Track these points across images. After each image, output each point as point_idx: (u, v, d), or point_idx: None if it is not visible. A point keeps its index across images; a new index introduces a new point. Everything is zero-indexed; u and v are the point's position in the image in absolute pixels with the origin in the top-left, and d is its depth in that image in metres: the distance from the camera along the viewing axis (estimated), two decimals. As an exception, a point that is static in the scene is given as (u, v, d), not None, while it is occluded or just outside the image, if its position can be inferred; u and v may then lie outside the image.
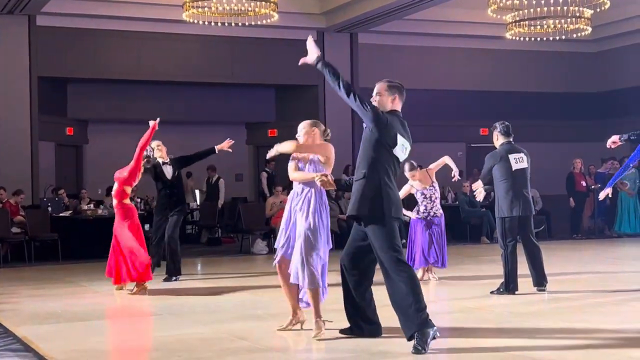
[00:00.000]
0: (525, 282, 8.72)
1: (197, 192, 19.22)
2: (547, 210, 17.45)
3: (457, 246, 14.84)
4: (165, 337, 6.67)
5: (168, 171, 11.23)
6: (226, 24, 16.41)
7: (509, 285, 8.61)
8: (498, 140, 8.82)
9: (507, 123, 8.86)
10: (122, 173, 10.28)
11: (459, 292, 9.04)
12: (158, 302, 8.77)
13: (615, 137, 8.17)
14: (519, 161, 8.66)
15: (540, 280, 8.70)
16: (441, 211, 10.27)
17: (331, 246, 6.78)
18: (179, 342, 6.37)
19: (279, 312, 7.98)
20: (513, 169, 8.64)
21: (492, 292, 8.70)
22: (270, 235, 15.30)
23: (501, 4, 15.59)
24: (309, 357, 5.63)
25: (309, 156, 6.88)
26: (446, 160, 10.21)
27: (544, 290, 8.66)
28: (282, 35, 18.90)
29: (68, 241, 13.80)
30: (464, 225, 16.62)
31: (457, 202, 17.03)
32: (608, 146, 8.39)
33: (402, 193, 9.64)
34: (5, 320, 7.61)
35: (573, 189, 17.44)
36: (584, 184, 17.54)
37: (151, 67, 18.27)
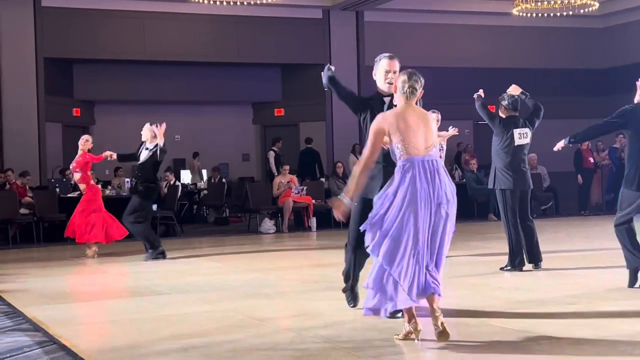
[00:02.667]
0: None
1: (204, 171, 19.24)
2: (554, 187, 17.43)
3: (464, 224, 14.84)
4: (173, 315, 6.71)
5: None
6: (232, 3, 16.36)
7: (514, 261, 8.62)
8: (504, 113, 8.78)
9: (515, 97, 8.82)
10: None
11: (466, 269, 9.05)
12: (165, 281, 8.81)
13: (561, 142, 8.10)
14: (523, 137, 8.65)
15: (533, 258, 8.65)
16: None
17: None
18: (186, 321, 6.40)
19: (286, 290, 8.02)
20: (515, 144, 8.62)
21: (501, 269, 8.71)
22: (277, 214, 15.33)
23: (508, -20, 15.50)
24: (317, 334, 5.65)
25: None
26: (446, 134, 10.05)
27: (538, 268, 8.61)
28: (287, 13, 18.84)
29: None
30: (471, 203, 16.61)
31: (464, 180, 17.02)
32: (555, 149, 8.33)
33: None
34: (14, 300, 7.66)
35: (581, 165, 17.40)
36: (591, 160, 17.50)
37: (157, 47, 18.26)
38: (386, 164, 5.83)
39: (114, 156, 11.82)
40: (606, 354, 4.97)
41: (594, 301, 6.81)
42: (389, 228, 5.23)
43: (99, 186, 12.41)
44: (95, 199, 11.47)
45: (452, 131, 10.02)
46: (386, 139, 5.39)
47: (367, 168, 5.39)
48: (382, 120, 5.36)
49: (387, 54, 6.17)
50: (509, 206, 8.63)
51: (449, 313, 5.85)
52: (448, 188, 5.29)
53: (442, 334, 5.12)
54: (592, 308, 6.52)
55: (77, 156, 11.57)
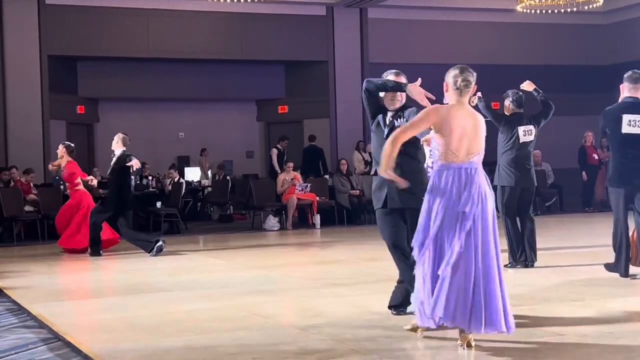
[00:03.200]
0: (539, 255, 8.73)
1: (209, 172, 19.24)
2: (559, 183, 17.41)
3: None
4: (177, 312, 6.72)
5: None
6: (235, 0, 16.35)
7: (515, 256, 8.62)
8: (509, 110, 8.78)
9: (520, 93, 8.81)
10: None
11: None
12: (169, 278, 8.83)
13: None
14: (527, 134, 8.65)
15: (529, 256, 8.63)
16: None
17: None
18: (190, 318, 6.41)
19: (290, 287, 8.03)
20: (520, 141, 8.62)
21: (505, 266, 8.71)
22: (281, 211, 15.34)
23: (511, -23, 15.47)
24: (321, 331, 5.66)
25: None
26: None
27: (531, 266, 8.59)
28: (291, 11, 18.84)
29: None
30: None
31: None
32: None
33: None
34: (19, 297, 7.68)
35: (585, 162, 17.38)
36: (595, 157, 17.47)
37: (161, 45, 18.27)
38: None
39: (94, 182, 12.47)
40: (611, 349, 4.97)
41: (599, 297, 6.81)
42: (427, 236, 5.00)
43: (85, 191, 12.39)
44: (78, 205, 11.77)
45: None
46: (429, 136, 5.17)
47: (397, 141, 5.05)
48: (434, 113, 5.08)
49: (393, 71, 6.00)
50: (507, 203, 8.65)
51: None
52: (479, 200, 4.94)
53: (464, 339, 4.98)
54: (597, 304, 6.52)
55: (65, 163, 11.87)
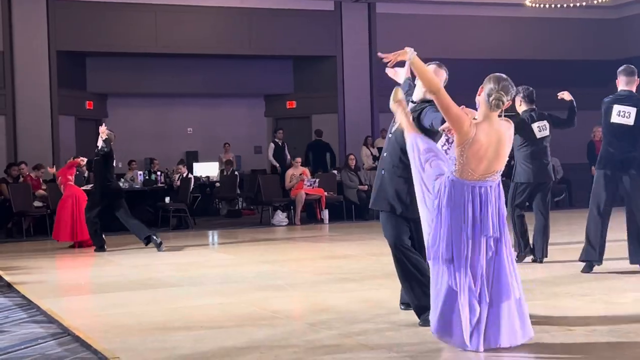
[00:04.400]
0: (551, 250, 8.72)
1: (216, 164, 19.24)
2: (568, 178, 17.36)
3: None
4: (186, 307, 6.73)
5: None
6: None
7: (522, 248, 8.62)
8: (521, 106, 8.73)
9: (531, 88, 8.77)
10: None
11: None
12: (178, 274, 8.84)
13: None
14: (542, 129, 8.62)
15: (539, 252, 8.62)
16: None
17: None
18: (200, 313, 6.42)
19: (299, 282, 8.03)
20: (537, 137, 8.59)
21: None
22: (290, 206, 15.35)
23: (520, -29, 15.41)
24: (330, 326, 5.66)
25: None
26: None
27: (540, 262, 8.58)
28: (299, 6, 18.82)
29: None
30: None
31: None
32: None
33: None
34: (28, 292, 7.70)
35: (594, 157, 17.25)
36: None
37: (169, 40, 18.28)
38: (400, 174, 5.61)
39: (84, 162, 12.70)
40: (619, 344, 4.95)
41: (608, 292, 6.79)
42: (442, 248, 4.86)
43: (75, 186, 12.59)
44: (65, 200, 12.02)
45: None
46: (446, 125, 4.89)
47: (437, 89, 4.84)
48: (467, 122, 4.78)
49: (435, 63, 5.67)
50: (519, 198, 8.66)
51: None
52: (497, 219, 4.83)
53: None
54: (606, 299, 6.50)
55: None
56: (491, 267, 4.85)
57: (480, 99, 4.91)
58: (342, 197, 15.72)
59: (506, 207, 5.33)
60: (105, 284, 8.43)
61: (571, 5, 17.57)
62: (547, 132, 8.68)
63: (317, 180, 15.58)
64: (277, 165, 17.82)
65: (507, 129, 4.93)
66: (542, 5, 17.58)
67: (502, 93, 4.80)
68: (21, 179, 14.69)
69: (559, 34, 20.99)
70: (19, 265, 9.93)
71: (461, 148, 4.80)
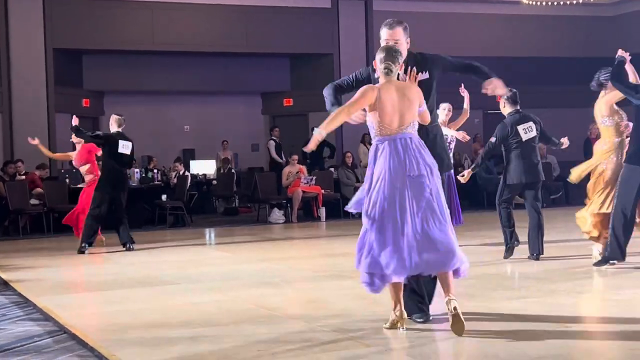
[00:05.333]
0: (547, 247, 8.73)
1: (213, 162, 19.24)
2: (564, 176, 17.35)
3: (473, 213, 14.84)
4: (183, 305, 6.72)
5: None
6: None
7: (508, 239, 8.77)
8: (505, 108, 8.86)
9: (514, 90, 8.83)
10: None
11: (476, 258, 9.04)
12: (175, 271, 8.83)
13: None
14: (528, 131, 8.74)
15: (534, 249, 8.66)
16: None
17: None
18: (196, 310, 6.41)
19: (296, 279, 8.03)
20: (523, 140, 8.69)
21: (505, 257, 8.77)
22: (287, 204, 15.34)
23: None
24: (327, 323, 5.66)
25: None
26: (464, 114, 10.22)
27: (536, 259, 8.61)
28: (296, 3, 18.81)
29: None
30: (481, 192, 16.58)
31: (474, 169, 16.96)
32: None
33: None
34: (25, 290, 7.69)
35: (590, 154, 17.27)
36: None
37: (166, 38, 18.27)
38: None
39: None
40: (617, 341, 4.96)
41: (605, 289, 6.80)
42: (373, 213, 5.18)
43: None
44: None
45: (460, 135, 10.00)
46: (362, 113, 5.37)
47: (347, 113, 5.30)
48: (370, 91, 5.26)
49: (387, 22, 5.66)
50: (505, 194, 8.80)
51: (459, 301, 5.82)
52: (422, 162, 5.19)
53: (456, 324, 5.02)
54: (603, 296, 6.51)
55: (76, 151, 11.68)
56: (423, 205, 5.16)
57: (377, 69, 5.38)
58: (339, 194, 15.72)
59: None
60: (102, 282, 8.42)
61: (567, 2, 17.59)
62: (533, 133, 8.77)
63: (314, 178, 15.59)
64: (282, 161, 17.80)
65: (410, 85, 5.36)
66: (538, 3, 17.61)
67: (390, 62, 5.28)
68: (23, 177, 14.66)
69: (555, 31, 21.00)
70: (15, 263, 9.92)
71: (373, 113, 5.28)
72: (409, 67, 5.51)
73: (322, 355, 4.82)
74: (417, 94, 5.32)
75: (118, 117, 11.26)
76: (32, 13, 17.18)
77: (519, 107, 8.82)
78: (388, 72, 5.28)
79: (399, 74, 5.48)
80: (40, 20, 17.26)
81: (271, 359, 4.78)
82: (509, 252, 8.76)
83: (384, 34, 5.62)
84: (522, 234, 8.84)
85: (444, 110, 10.00)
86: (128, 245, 10.85)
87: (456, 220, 9.92)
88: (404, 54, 5.55)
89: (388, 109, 5.24)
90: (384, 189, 5.17)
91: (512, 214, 8.85)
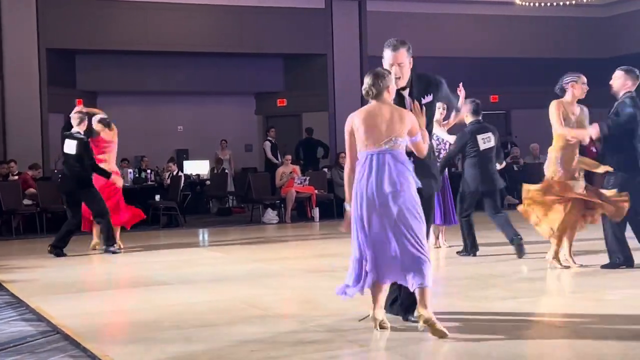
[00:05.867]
0: (538, 247, 8.75)
1: (207, 162, 19.23)
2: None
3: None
4: (176, 305, 6.72)
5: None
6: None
7: (469, 248, 9.11)
8: (467, 118, 9.20)
9: (477, 101, 9.35)
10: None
11: (469, 258, 9.06)
12: (169, 271, 8.82)
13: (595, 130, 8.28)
14: (487, 141, 9.17)
15: (513, 234, 8.83)
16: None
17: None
18: (189, 311, 6.41)
19: (289, 280, 8.03)
20: (481, 149, 9.01)
21: (458, 252, 9.20)
22: (280, 205, 15.34)
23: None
24: (320, 323, 5.66)
25: None
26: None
27: (519, 242, 8.75)
28: (290, 3, 18.81)
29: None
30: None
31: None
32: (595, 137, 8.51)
33: None
34: (18, 291, 7.68)
35: (583, 155, 17.35)
36: (594, 150, 17.45)
37: (159, 38, 18.25)
38: (413, 158, 5.51)
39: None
40: (609, 340, 4.97)
41: (598, 289, 6.82)
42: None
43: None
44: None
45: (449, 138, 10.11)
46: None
47: (352, 171, 5.37)
48: (349, 121, 5.36)
49: (390, 44, 5.62)
50: (464, 203, 9.16)
51: (452, 302, 5.84)
52: (393, 180, 5.16)
53: (435, 332, 5.04)
54: (595, 296, 6.52)
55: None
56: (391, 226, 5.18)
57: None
58: (332, 195, 15.72)
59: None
60: (96, 282, 8.41)
61: (561, 3, 17.63)
62: (491, 144, 9.11)
63: (308, 178, 15.59)
64: (278, 161, 17.79)
65: (406, 111, 5.35)
66: (532, 4, 17.64)
67: (372, 86, 5.27)
68: (16, 177, 14.62)
69: (548, 32, 21.04)
70: (8, 263, 9.90)
71: (358, 134, 5.29)
72: (412, 91, 5.57)
73: (315, 355, 4.83)
74: (408, 120, 5.28)
75: (74, 114, 10.67)
76: (25, 13, 17.13)
77: (480, 118, 9.19)
78: (366, 93, 5.32)
79: (404, 98, 5.56)
80: (33, 20, 17.22)
81: (264, 359, 4.78)
82: (472, 251, 9.07)
83: (388, 56, 5.59)
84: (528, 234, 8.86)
85: (438, 109, 10.03)
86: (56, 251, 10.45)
87: (450, 221, 9.98)
88: (406, 76, 5.59)
89: (371, 126, 5.25)
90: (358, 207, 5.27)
91: (473, 224, 9.14)
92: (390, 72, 5.40)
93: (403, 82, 5.59)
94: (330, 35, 19.37)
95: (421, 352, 4.88)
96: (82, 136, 10.52)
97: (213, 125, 20.02)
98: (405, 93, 5.60)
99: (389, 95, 5.33)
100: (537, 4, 17.83)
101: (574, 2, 17.53)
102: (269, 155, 18.22)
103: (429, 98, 5.62)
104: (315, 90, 19.51)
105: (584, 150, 18.10)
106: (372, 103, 5.35)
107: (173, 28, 18.29)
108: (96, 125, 11.06)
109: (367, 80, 5.33)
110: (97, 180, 10.64)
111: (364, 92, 5.35)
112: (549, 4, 17.91)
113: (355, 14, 19.58)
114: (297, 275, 8.35)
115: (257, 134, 20.76)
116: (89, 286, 8.27)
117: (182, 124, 20.26)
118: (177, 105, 20.17)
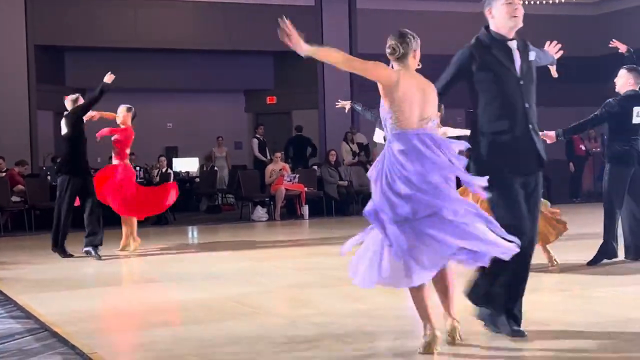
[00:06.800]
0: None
1: (196, 159, 19.20)
2: (546, 174, 17.44)
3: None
4: (165, 303, 6.71)
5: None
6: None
7: None
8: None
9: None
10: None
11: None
12: (158, 269, 8.81)
13: (552, 135, 8.48)
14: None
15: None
16: None
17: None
18: (178, 308, 6.40)
19: (279, 278, 8.03)
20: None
21: None
22: (270, 202, 15.33)
23: (500, -32, 15.49)
24: (309, 321, 5.66)
25: None
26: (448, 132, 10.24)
27: None
28: (279, 1, 18.77)
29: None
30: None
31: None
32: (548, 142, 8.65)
33: None
34: (6, 288, 7.64)
35: (572, 153, 17.45)
36: (583, 148, 17.54)
37: (148, 35, 18.19)
38: None
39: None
40: (598, 339, 4.98)
41: (587, 287, 6.83)
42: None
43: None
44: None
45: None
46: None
47: (341, 59, 4.92)
48: (388, 70, 4.74)
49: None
50: None
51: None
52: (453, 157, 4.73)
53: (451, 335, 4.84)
54: (585, 294, 6.54)
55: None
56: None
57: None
58: (322, 192, 15.73)
59: None
60: (84, 280, 8.39)
61: (550, 1, 17.67)
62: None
63: (297, 175, 15.58)
64: (265, 159, 17.77)
65: (424, 79, 4.91)
66: (523, 2, 17.68)
67: (398, 43, 4.80)
68: (3, 174, 14.55)
69: (539, 30, 20.96)
70: (-4, 261, 9.86)
71: (392, 100, 4.68)
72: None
73: (305, 353, 4.82)
74: (434, 99, 4.86)
75: (68, 96, 10.76)
76: (14, 9, 17.06)
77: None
78: (392, 52, 4.77)
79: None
80: (21, 16, 17.14)
81: (254, 357, 4.77)
82: None
83: None
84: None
85: (432, 91, 10.03)
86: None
87: None
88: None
89: (409, 98, 4.69)
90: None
91: None
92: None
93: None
94: (320, 33, 19.35)
95: (413, 351, 4.87)
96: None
97: (203, 123, 19.98)
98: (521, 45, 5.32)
99: (414, 61, 4.87)
100: (526, 2, 17.87)
101: (563, 0, 17.57)
102: (257, 152, 18.22)
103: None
104: (305, 87, 19.50)
105: (573, 149, 18.20)
106: (400, 69, 4.78)
107: (162, 25, 18.24)
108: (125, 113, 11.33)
109: (393, 42, 4.78)
110: (111, 173, 10.65)
111: (387, 49, 4.77)
112: (538, 2, 17.95)
113: (345, 11, 19.58)
114: (286, 273, 8.34)
115: (247, 132, 20.73)
116: (77, 284, 8.24)
117: (172, 122, 20.21)
118: (166, 102, 20.12)
